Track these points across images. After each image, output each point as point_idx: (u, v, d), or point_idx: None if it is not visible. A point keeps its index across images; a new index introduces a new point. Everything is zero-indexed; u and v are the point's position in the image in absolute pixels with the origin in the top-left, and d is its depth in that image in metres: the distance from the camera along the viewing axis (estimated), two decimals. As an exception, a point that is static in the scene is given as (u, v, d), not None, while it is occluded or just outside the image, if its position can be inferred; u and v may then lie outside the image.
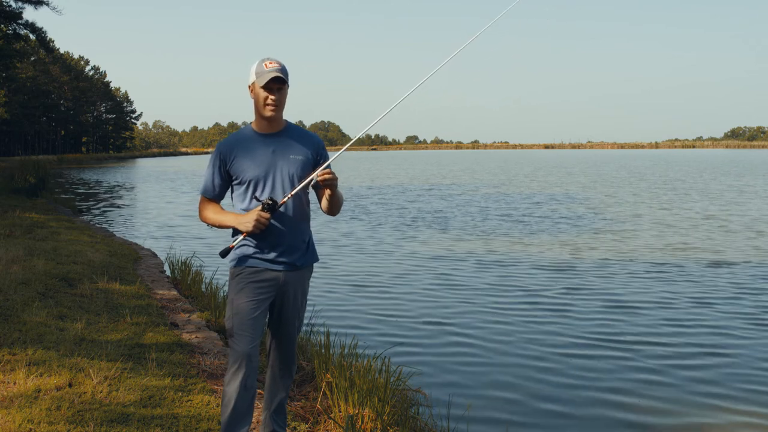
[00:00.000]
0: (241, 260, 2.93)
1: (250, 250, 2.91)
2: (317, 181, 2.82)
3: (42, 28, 33.39)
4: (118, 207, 20.56)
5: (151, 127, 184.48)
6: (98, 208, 19.85)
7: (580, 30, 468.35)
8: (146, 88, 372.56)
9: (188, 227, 14.87)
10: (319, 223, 14.38)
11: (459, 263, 10.10)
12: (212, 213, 2.97)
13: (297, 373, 4.37)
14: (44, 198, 19.01)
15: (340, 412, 3.66)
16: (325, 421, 3.65)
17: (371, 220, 16.05)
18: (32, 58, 68.91)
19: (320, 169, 2.84)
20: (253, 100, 2.93)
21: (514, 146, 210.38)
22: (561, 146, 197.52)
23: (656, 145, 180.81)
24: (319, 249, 11.06)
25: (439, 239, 12.75)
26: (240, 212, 2.92)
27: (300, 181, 2.91)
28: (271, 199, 2.84)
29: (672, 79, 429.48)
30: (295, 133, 3.01)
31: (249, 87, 2.93)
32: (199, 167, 57.40)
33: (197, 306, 6.34)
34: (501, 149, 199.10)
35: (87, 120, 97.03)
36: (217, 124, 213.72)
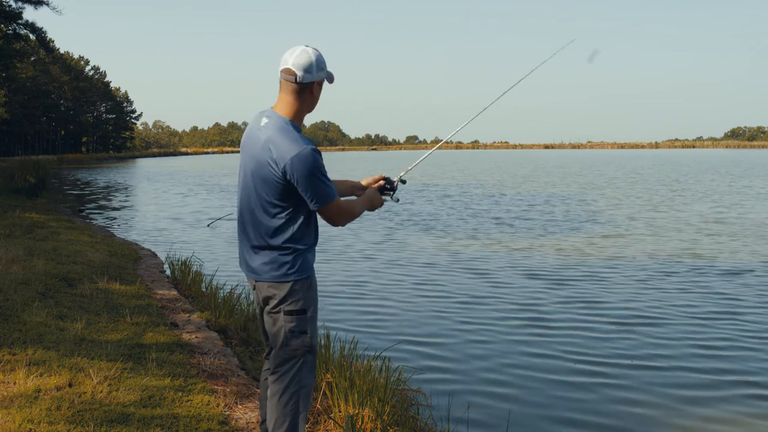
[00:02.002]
0: (312, 267, 2.75)
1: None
2: None
3: (42, 28, 33.40)
4: (118, 208, 20.56)
5: (151, 127, 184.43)
6: (97, 209, 19.85)
7: (580, 30, 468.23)
8: (146, 88, 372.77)
9: (188, 227, 14.87)
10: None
11: (459, 264, 10.10)
12: (354, 205, 2.80)
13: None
14: (44, 198, 19.02)
15: (340, 412, 3.66)
16: (325, 421, 3.65)
17: (370, 221, 16.04)
18: (32, 58, 68.89)
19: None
20: (308, 97, 2.68)
21: (514, 146, 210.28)
22: (561, 146, 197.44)
23: (656, 145, 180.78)
24: (318, 250, 11.06)
25: (439, 241, 12.75)
26: (303, 215, 2.68)
27: None
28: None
29: (672, 79, 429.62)
30: None
31: (318, 83, 2.67)
32: (198, 168, 57.40)
33: (197, 306, 6.34)
34: (501, 149, 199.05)
35: (87, 120, 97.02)
36: (217, 124, 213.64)
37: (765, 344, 6.07)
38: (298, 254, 2.68)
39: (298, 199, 2.63)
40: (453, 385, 5.04)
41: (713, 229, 13.96)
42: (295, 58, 2.62)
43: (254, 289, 2.80)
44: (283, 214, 2.64)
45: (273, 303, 2.70)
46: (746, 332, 6.42)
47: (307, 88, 2.65)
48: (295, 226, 2.66)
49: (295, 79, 2.62)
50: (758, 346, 6.02)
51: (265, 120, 2.66)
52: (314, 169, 2.54)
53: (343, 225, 2.75)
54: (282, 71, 2.65)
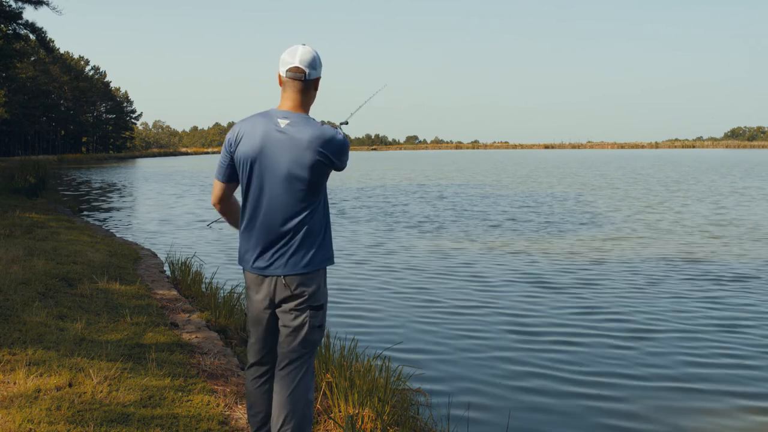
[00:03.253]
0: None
1: None
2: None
3: (42, 28, 33.39)
4: (118, 208, 20.55)
5: (151, 127, 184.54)
6: (97, 209, 19.84)
7: (580, 30, 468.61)
8: (146, 88, 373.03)
9: (188, 227, 14.87)
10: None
11: (458, 263, 10.10)
12: None
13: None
14: (44, 198, 19.01)
15: (340, 412, 3.66)
16: (325, 421, 3.66)
17: (368, 220, 16.05)
18: (32, 58, 68.87)
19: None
20: (313, 93, 2.81)
21: (514, 146, 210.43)
22: (561, 146, 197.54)
23: (656, 145, 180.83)
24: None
25: (439, 242, 12.75)
26: (326, 206, 2.86)
27: None
28: None
29: (672, 79, 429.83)
30: None
31: (319, 79, 2.80)
32: (199, 167, 57.40)
33: (197, 306, 6.34)
34: (501, 149, 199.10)
35: (87, 120, 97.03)
36: (217, 124, 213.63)
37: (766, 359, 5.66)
38: (327, 243, 2.82)
39: (324, 188, 2.81)
40: (453, 385, 5.05)
41: (715, 232, 13.79)
42: (301, 57, 2.69)
43: (274, 288, 2.75)
44: (319, 207, 2.78)
45: (302, 299, 2.75)
46: (748, 346, 5.99)
47: (312, 84, 2.75)
48: (325, 218, 2.82)
49: (304, 77, 2.69)
50: (761, 361, 5.60)
51: (284, 121, 2.69)
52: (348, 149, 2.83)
53: None
54: (288, 70, 2.69)
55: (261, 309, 2.82)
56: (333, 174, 2.88)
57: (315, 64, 2.71)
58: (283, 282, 2.73)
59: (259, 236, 2.76)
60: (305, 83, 2.71)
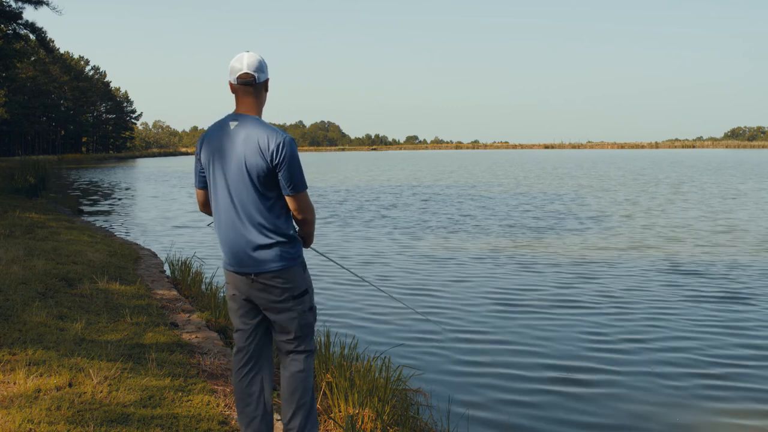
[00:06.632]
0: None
1: None
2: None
3: (42, 28, 33.37)
4: (118, 208, 20.55)
5: (151, 127, 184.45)
6: (97, 209, 19.84)
7: (580, 30, 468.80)
8: (146, 88, 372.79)
9: (188, 227, 14.87)
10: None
11: (459, 262, 10.10)
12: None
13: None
14: (44, 198, 19.01)
15: (340, 412, 3.66)
16: (325, 421, 3.66)
17: (367, 220, 16.05)
18: (32, 58, 68.80)
19: None
20: (264, 95, 2.93)
21: (514, 146, 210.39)
22: (561, 146, 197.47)
23: (656, 145, 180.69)
24: (319, 249, 11.05)
25: (438, 239, 12.75)
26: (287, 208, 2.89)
27: None
28: None
29: (672, 79, 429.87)
30: None
31: (268, 80, 2.93)
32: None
33: (197, 306, 6.34)
34: (501, 149, 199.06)
35: (87, 120, 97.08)
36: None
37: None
38: (294, 241, 2.88)
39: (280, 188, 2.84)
40: (453, 385, 5.05)
41: (723, 239, 13.75)
42: (248, 63, 2.82)
43: (247, 285, 2.86)
44: (276, 204, 2.84)
45: (280, 290, 2.84)
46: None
47: (263, 86, 2.88)
48: (287, 214, 2.89)
49: (254, 81, 2.83)
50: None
51: (234, 123, 2.83)
52: (296, 155, 2.80)
53: (306, 220, 2.91)
54: (239, 77, 2.83)
55: (236, 301, 2.95)
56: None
57: (262, 67, 2.84)
58: (256, 279, 2.84)
59: (225, 236, 2.89)
60: (256, 87, 2.84)
